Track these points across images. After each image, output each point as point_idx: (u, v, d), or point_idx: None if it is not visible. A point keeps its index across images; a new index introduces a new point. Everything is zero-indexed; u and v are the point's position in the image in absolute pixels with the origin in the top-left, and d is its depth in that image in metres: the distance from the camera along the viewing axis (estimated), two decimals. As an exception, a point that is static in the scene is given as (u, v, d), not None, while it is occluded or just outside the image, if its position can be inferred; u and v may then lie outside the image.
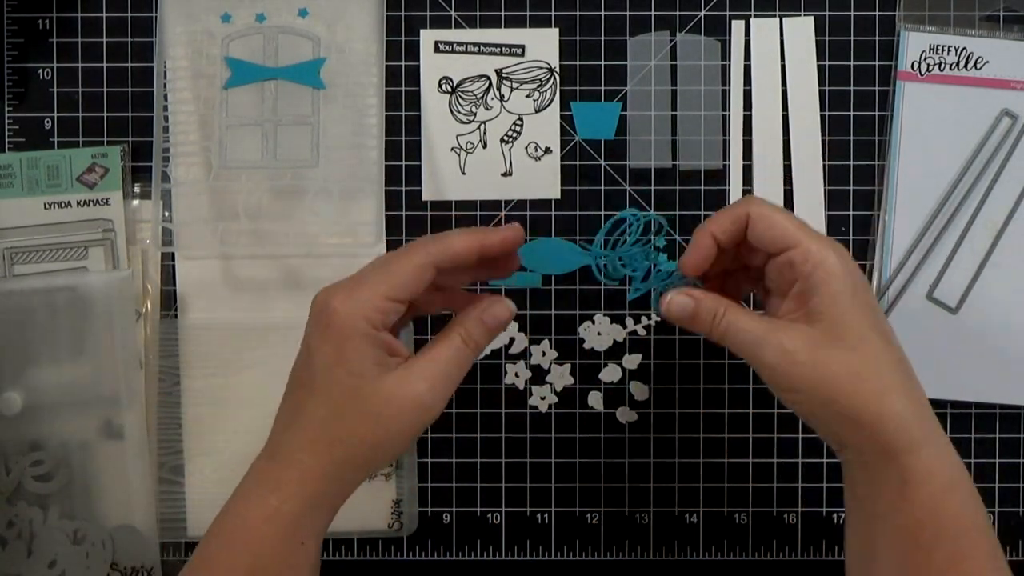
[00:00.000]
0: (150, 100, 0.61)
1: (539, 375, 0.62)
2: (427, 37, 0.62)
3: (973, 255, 0.60)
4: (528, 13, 0.62)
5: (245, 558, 0.43)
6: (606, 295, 0.61)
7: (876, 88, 0.61)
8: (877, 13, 0.61)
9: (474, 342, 0.46)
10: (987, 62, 0.60)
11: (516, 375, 0.62)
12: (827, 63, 0.61)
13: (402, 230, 0.62)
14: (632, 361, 0.62)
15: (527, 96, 0.61)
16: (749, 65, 0.62)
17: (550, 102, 0.62)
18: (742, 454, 0.62)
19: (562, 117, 0.62)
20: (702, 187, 0.62)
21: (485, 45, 0.62)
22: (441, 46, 0.62)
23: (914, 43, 0.60)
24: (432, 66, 0.62)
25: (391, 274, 0.44)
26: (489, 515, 0.62)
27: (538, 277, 0.62)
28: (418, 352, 0.45)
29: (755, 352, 0.44)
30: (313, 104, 0.60)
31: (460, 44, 0.61)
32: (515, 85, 0.61)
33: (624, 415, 0.62)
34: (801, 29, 0.61)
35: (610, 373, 0.62)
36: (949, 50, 0.60)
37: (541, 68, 0.62)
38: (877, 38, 0.61)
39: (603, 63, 0.62)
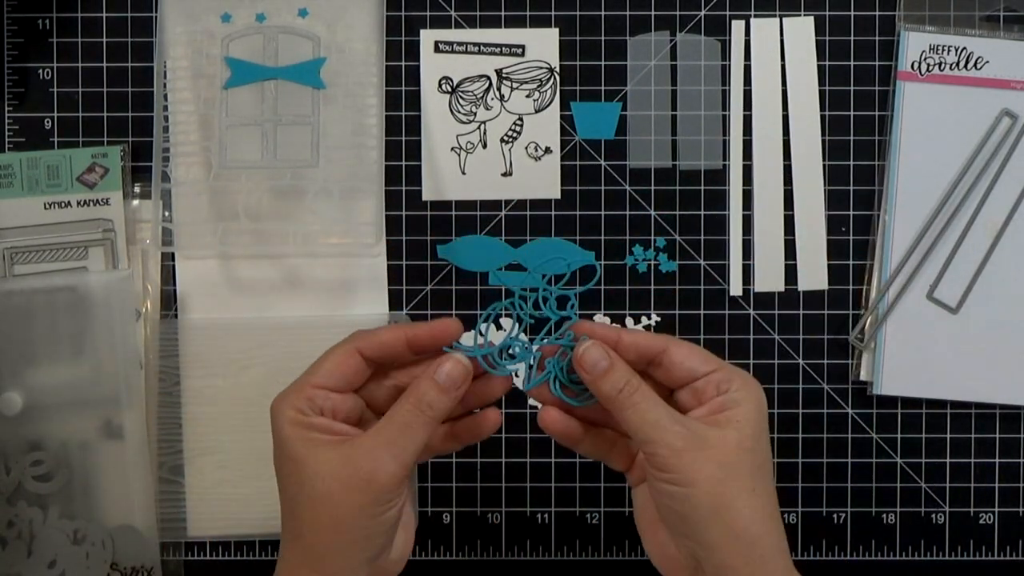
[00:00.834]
0: (150, 100, 0.61)
1: (539, 375, 0.62)
2: (427, 37, 0.62)
3: (973, 255, 0.60)
4: (528, 13, 0.62)
5: None
6: (606, 295, 0.61)
7: (876, 88, 0.61)
8: (877, 13, 0.61)
9: (427, 405, 0.43)
10: (987, 62, 0.60)
11: (516, 375, 0.62)
12: (827, 63, 0.61)
13: (402, 230, 0.62)
14: (632, 361, 0.62)
15: (527, 96, 0.61)
16: (749, 65, 0.62)
17: (550, 102, 0.62)
18: (742, 454, 0.62)
19: (562, 117, 0.62)
20: (702, 187, 0.62)
21: (485, 45, 0.62)
22: (441, 46, 0.62)
23: (914, 43, 0.60)
24: (432, 66, 0.62)
25: (318, 363, 0.44)
26: (489, 515, 0.62)
27: (538, 277, 0.61)
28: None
29: (654, 434, 0.42)
30: (313, 104, 0.60)
31: (460, 44, 0.61)
32: (515, 85, 0.61)
33: (624, 415, 0.62)
34: (801, 29, 0.61)
35: (610, 373, 0.62)
36: (949, 50, 0.60)
37: (541, 68, 0.62)
38: (877, 38, 0.61)
39: (603, 63, 0.62)
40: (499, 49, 0.62)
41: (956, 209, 0.60)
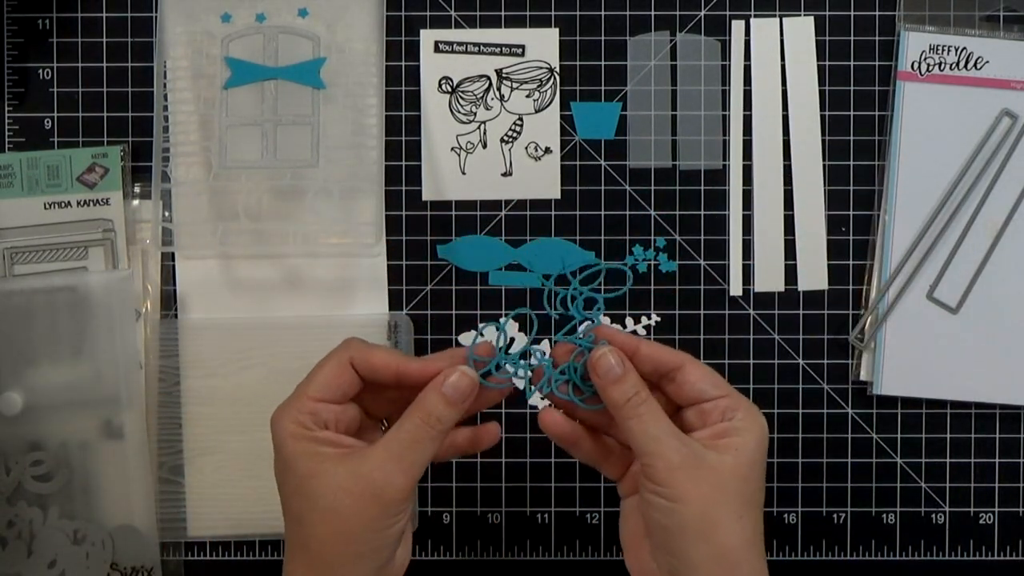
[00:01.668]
0: (150, 100, 0.61)
1: (539, 375, 0.62)
2: (427, 37, 0.62)
3: (973, 255, 0.60)
4: (528, 13, 0.62)
5: None
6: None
7: (876, 88, 0.61)
8: (877, 13, 0.61)
9: (434, 418, 0.43)
10: (987, 62, 0.60)
11: (516, 375, 0.62)
12: (827, 63, 0.61)
13: (402, 230, 0.62)
14: (632, 361, 0.62)
15: (527, 96, 0.61)
16: (749, 65, 0.62)
17: (550, 102, 0.62)
18: (742, 454, 0.62)
19: (562, 117, 0.62)
20: (702, 187, 0.62)
21: (485, 45, 0.62)
22: (441, 46, 0.62)
23: (914, 43, 0.60)
24: (432, 66, 0.62)
25: (313, 375, 0.44)
26: (489, 515, 0.62)
27: (538, 277, 0.62)
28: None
29: (654, 447, 0.42)
30: (313, 104, 0.60)
31: (460, 44, 0.61)
32: (515, 85, 0.61)
33: (624, 415, 0.62)
34: (801, 29, 0.61)
35: (610, 373, 0.62)
36: (949, 50, 0.60)
37: (541, 68, 0.62)
38: (877, 38, 0.61)
39: (603, 63, 0.62)
40: (499, 49, 0.62)
41: (956, 209, 0.60)
